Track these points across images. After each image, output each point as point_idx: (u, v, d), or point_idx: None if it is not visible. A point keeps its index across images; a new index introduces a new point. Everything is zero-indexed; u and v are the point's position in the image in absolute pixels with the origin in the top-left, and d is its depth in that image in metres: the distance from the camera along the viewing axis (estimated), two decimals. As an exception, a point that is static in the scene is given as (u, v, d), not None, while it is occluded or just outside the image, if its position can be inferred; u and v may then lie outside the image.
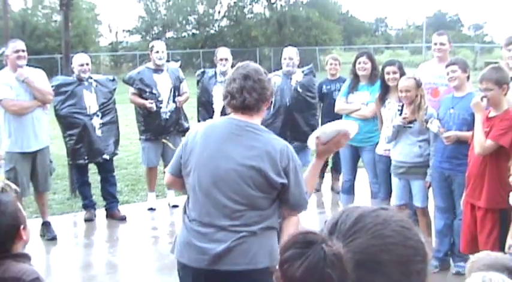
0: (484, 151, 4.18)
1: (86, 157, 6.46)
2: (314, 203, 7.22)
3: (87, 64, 6.43)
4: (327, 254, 1.05)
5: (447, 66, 4.88)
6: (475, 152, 4.23)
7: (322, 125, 7.01)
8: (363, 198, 6.62)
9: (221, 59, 6.77)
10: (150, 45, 6.93)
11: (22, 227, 2.29)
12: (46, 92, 5.79)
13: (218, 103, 6.66)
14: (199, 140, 2.87)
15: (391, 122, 5.28)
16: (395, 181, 5.29)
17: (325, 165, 7.54)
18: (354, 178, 6.38)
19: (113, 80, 6.80)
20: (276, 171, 2.76)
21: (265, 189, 2.78)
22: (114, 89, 6.69)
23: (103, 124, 6.46)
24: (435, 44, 5.68)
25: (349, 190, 6.40)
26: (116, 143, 6.69)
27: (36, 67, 6.05)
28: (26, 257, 2.34)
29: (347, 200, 6.36)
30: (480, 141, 4.19)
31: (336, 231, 1.12)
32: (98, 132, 6.41)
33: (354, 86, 6.11)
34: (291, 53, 6.69)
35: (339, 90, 6.89)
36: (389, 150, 5.34)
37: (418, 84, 5.01)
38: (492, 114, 4.26)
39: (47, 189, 6.08)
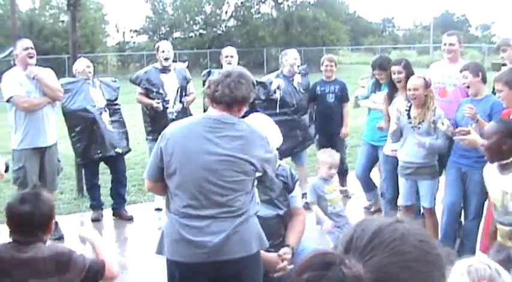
0: None
1: (98, 151, 6.43)
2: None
3: (88, 66, 6.53)
4: (346, 276, 1.01)
5: (461, 71, 4.89)
6: None
7: (315, 127, 7.05)
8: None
9: (226, 56, 6.80)
10: (156, 46, 6.95)
11: (53, 221, 2.73)
12: (56, 89, 5.81)
13: None
14: (178, 139, 2.98)
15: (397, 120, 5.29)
16: (402, 182, 5.28)
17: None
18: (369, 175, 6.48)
19: (115, 80, 6.93)
20: (260, 155, 3.00)
21: (250, 172, 2.99)
22: (118, 88, 6.76)
23: (112, 121, 6.50)
24: (444, 44, 5.64)
25: (369, 188, 6.52)
26: (127, 140, 6.75)
27: (44, 67, 6.08)
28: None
29: (369, 196, 6.54)
30: None
31: (352, 248, 1.09)
32: (109, 127, 6.45)
33: (377, 87, 6.22)
34: (296, 54, 6.77)
35: (333, 92, 6.92)
36: (396, 150, 5.33)
37: (427, 85, 4.99)
38: None
39: (54, 188, 6.08)
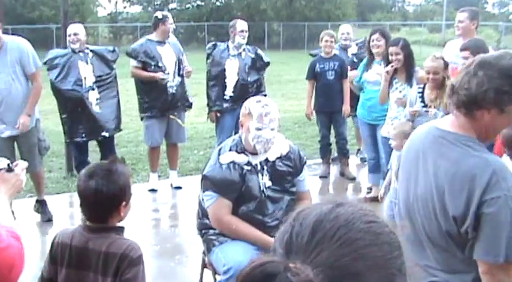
0: None
1: (83, 134, 6.44)
2: (322, 189, 7.21)
3: (75, 34, 6.32)
4: None
5: (461, 50, 4.86)
6: None
7: (316, 105, 7.20)
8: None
9: (242, 31, 6.76)
10: (161, 15, 6.76)
11: (124, 203, 2.41)
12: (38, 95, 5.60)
13: (231, 77, 6.69)
14: (403, 155, 2.42)
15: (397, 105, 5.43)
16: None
17: (329, 151, 7.53)
18: (378, 156, 6.43)
19: (113, 50, 6.70)
20: (466, 200, 2.08)
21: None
22: (114, 61, 6.62)
23: (100, 99, 6.40)
24: (456, 21, 5.83)
25: (375, 168, 6.53)
26: (117, 120, 6.66)
27: (29, 39, 5.89)
28: (122, 231, 2.46)
29: (373, 178, 6.56)
30: None
31: (293, 248, 0.97)
32: (96, 108, 6.37)
33: (368, 64, 6.34)
34: (348, 29, 7.78)
35: (333, 69, 7.08)
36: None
37: (446, 66, 4.95)
38: None
39: (34, 169, 5.75)
